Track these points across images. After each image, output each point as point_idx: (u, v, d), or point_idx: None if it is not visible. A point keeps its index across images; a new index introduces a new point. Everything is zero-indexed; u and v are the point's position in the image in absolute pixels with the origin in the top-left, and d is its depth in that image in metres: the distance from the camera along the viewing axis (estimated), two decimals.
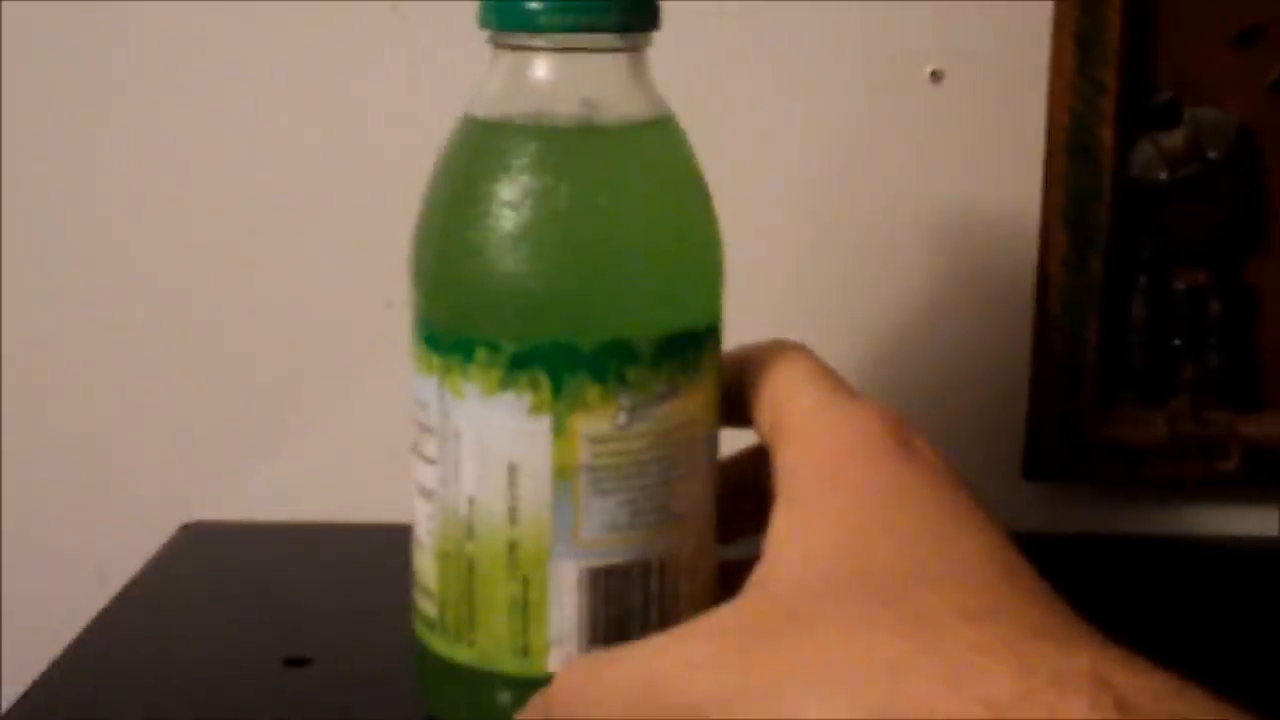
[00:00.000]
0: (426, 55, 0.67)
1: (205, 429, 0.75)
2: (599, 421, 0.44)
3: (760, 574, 0.39)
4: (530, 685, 0.45)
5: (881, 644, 0.34)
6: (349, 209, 0.71)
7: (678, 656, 0.38)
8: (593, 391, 0.43)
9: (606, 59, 0.46)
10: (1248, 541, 0.71)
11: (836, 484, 0.40)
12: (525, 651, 0.45)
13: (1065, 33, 0.64)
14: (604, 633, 0.45)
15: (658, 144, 0.47)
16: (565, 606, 0.45)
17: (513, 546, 0.44)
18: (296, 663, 0.58)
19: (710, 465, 0.47)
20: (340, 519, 0.73)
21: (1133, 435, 0.68)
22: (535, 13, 0.44)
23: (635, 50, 0.46)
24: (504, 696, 0.46)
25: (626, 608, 0.45)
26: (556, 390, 0.43)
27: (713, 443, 0.47)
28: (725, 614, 0.39)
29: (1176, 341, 0.68)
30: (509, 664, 0.46)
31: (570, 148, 0.46)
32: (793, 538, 0.40)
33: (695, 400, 0.46)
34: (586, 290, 0.45)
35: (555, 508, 0.44)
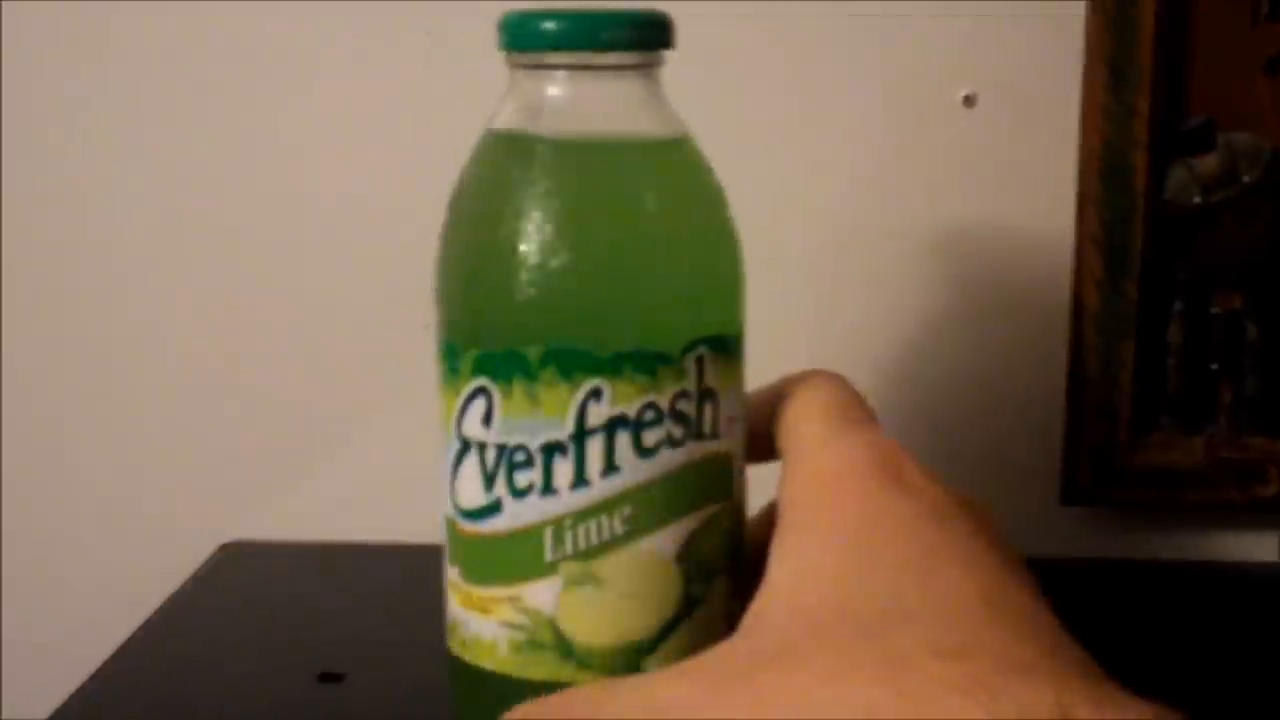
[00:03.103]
0: (455, 78, 0.68)
1: (243, 451, 0.76)
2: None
3: (755, 607, 0.40)
4: None
5: (857, 688, 0.35)
6: (383, 232, 0.72)
7: (671, 695, 0.39)
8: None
9: (620, 77, 0.47)
10: None
11: (824, 517, 0.41)
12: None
13: (1097, 58, 0.65)
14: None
15: (669, 160, 0.48)
16: None
17: None
18: (330, 679, 0.59)
19: (740, 484, 0.48)
20: (375, 540, 0.74)
21: (1170, 460, 0.69)
22: (550, 32, 0.46)
23: (649, 68, 0.47)
24: None
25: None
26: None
27: (740, 465, 0.48)
28: (716, 655, 0.39)
29: (1213, 366, 0.68)
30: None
31: (583, 163, 0.47)
32: (782, 572, 0.40)
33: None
34: (627, 300, 0.46)
35: None
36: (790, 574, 0.40)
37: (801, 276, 0.68)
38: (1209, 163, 0.66)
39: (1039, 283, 0.69)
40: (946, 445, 0.72)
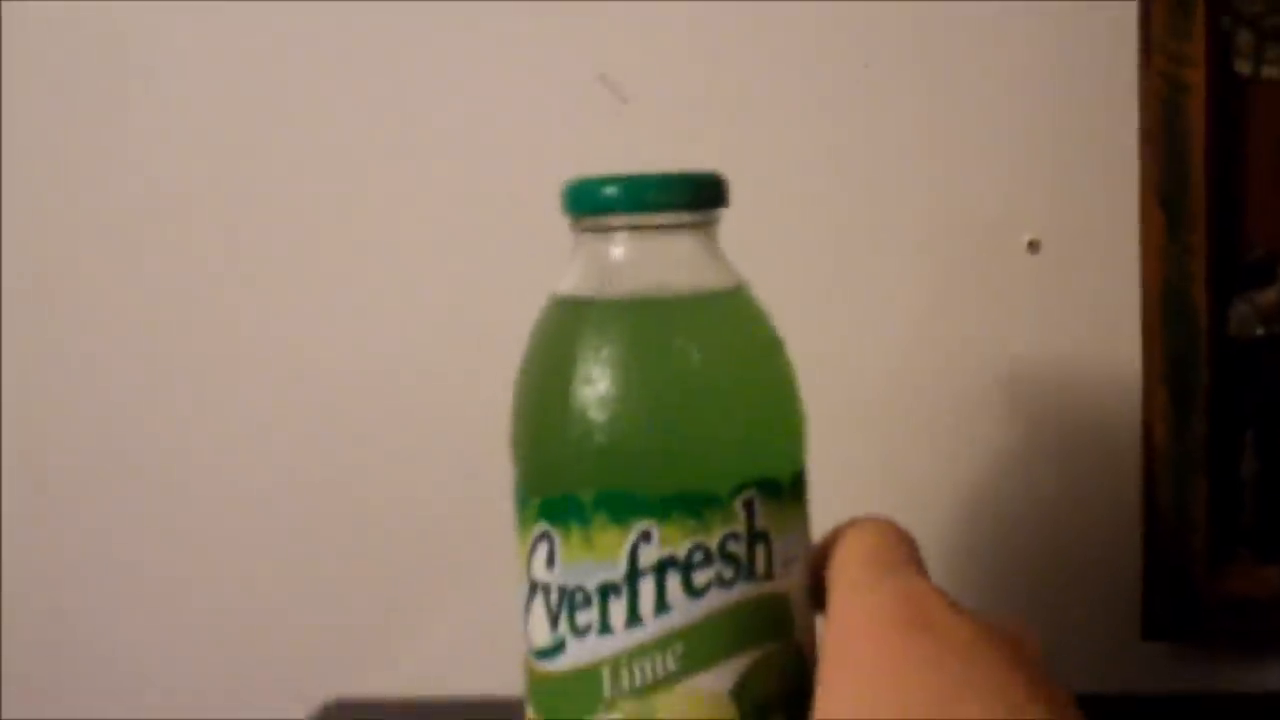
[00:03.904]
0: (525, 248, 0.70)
1: (346, 610, 0.77)
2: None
3: None
4: None
5: None
6: (475, 390, 0.72)
7: None
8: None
9: (678, 235, 0.49)
10: None
11: (846, 664, 0.42)
12: None
13: (1152, 196, 0.65)
14: None
15: (722, 311, 0.50)
16: None
17: None
18: None
19: (802, 623, 0.49)
20: (479, 695, 0.75)
21: (1247, 590, 0.68)
22: (610, 196, 0.48)
23: (705, 225, 0.50)
24: None
25: None
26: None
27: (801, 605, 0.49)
28: None
29: None
30: None
31: (635, 321, 0.49)
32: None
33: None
34: (671, 446, 0.47)
35: None
36: None
37: (869, 420, 0.69)
38: (1269, 296, 0.66)
39: (1108, 420, 0.69)
40: (1024, 586, 0.72)
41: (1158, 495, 0.68)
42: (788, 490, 0.49)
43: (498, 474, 0.70)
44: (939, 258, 0.70)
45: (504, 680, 0.68)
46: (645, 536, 0.46)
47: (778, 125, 0.69)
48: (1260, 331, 0.66)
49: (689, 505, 0.46)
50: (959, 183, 0.69)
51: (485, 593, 0.75)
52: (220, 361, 0.76)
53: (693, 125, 0.70)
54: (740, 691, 0.47)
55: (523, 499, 0.49)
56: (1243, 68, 0.64)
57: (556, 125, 0.71)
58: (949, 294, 0.70)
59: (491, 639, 0.72)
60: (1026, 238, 0.69)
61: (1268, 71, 0.63)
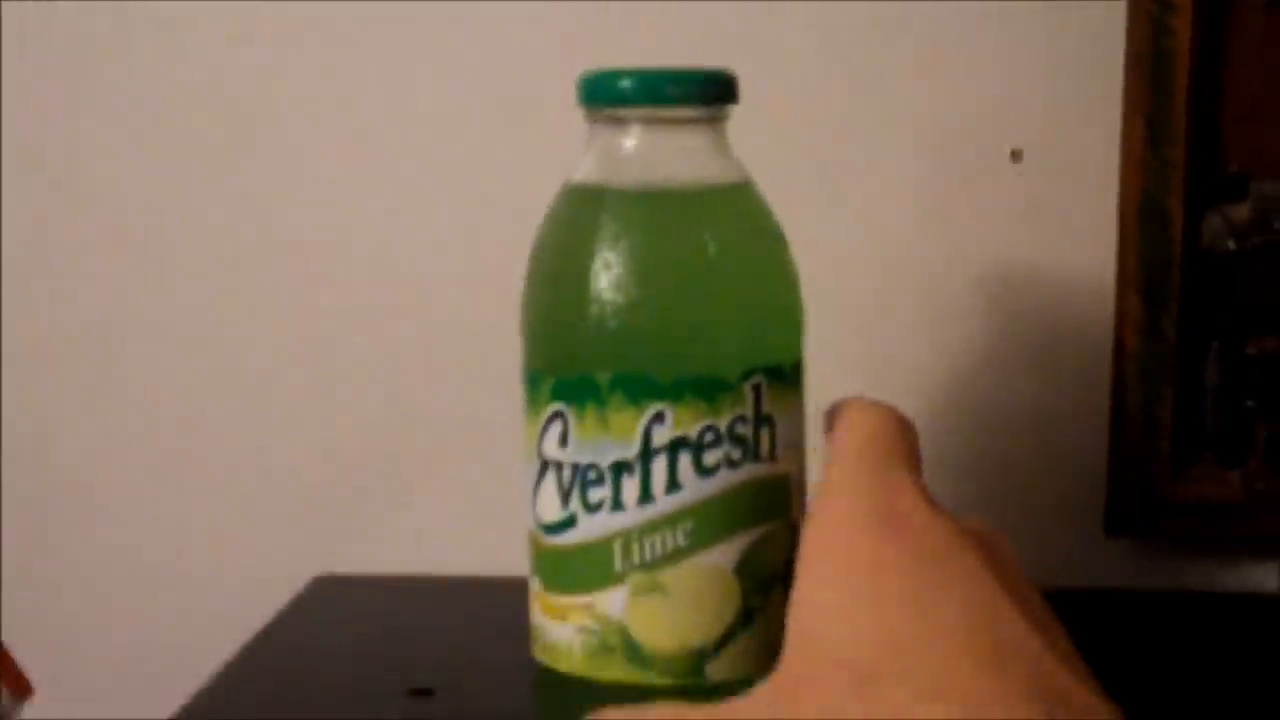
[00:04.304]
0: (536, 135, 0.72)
1: (333, 487, 0.79)
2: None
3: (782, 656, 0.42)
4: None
5: None
6: (468, 276, 0.76)
7: None
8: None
9: (689, 129, 0.51)
10: None
11: (824, 562, 0.42)
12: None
13: (1135, 112, 0.68)
14: None
15: (731, 204, 0.52)
16: None
17: None
18: (421, 693, 0.63)
19: (799, 504, 0.52)
20: (461, 572, 0.77)
21: (1209, 494, 0.71)
22: (626, 89, 0.50)
23: (715, 121, 0.52)
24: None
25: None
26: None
27: (799, 486, 0.52)
28: (734, 707, 0.42)
29: (1250, 404, 0.70)
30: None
31: (650, 210, 0.51)
32: (791, 618, 0.42)
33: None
34: (686, 331, 0.50)
35: None
36: (795, 620, 0.42)
37: (857, 314, 0.71)
38: (1242, 211, 0.68)
39: (1082, 325, 0.72)
40: (995, 479, 0.74)
41: (1126, 398, 0.70)
42: (790, 377, 0.51)
43: (493, 353, 0.73)
44: (928, 164, 0.72)
45: (494, 558, 0.74)
46: (659, 417, 0.48)
47: (781, 32, 0.70)
48: (1231, 245, 0.68)
49: (701, 388, 0.48)
50: (949, 94, 0.71)
51: (476, 470, 0.77)
52: (226, 232, 0.78)
53: (698, 27, 0.71)
54: (744, 566, 0.50)
55: (535, 379, 0.51)
56: None
57: (567, 20, 0.72)
58: (936, 198, 0.72)
59: (482, 517, 0.77)
60: (1010, 147, 0.71)
61: None
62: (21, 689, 0.80)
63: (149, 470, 0.80)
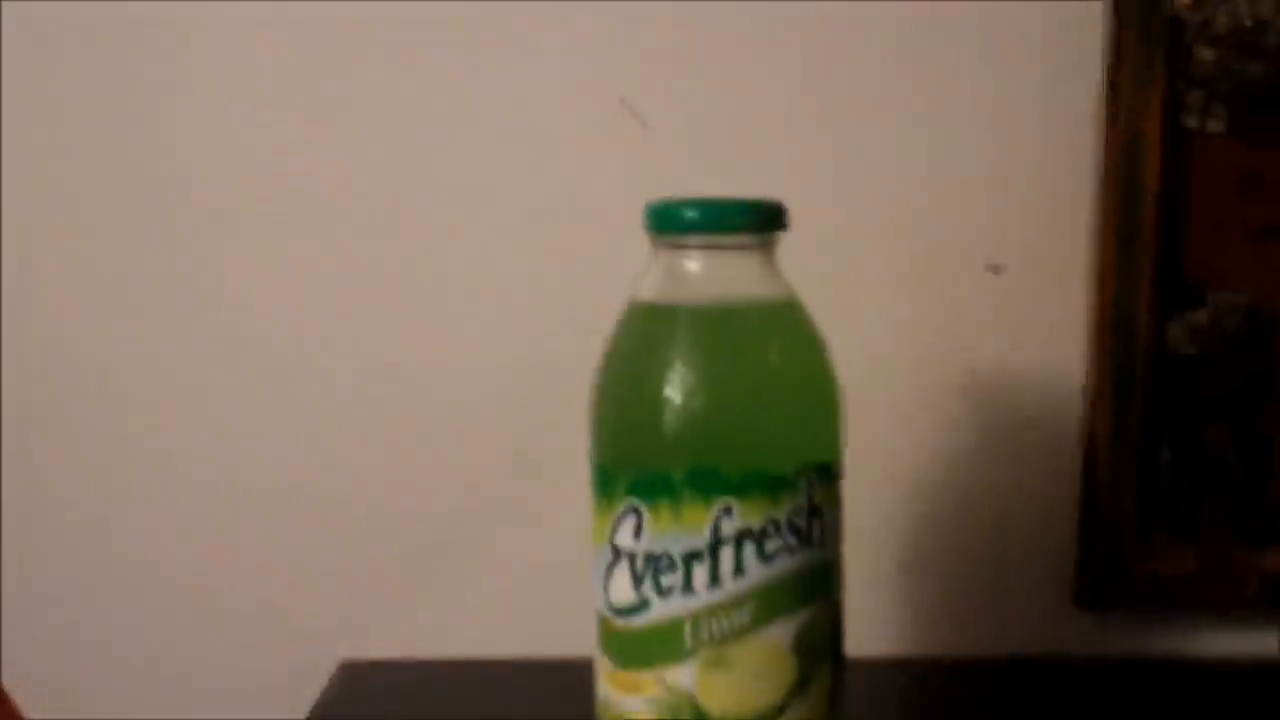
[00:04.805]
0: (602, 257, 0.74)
1: (360, 570, 0.81)
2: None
3: None
4: None
5: None
6: (527, 373, 0.78)
7: None
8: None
9: (745, 253, 0.57)
10: (1264, 661, 0.80)
11: None
12: None
13: (1108, 227, 0.73)
14: None
15: (785, 319, 0.57)
16: None
17: None
18: None
19: (839, 584, 0.58)
20: (489, 655, 0.80)
21: (1167, 568, 0.77)
22: (689, 219, 0.56)
23: (768, 246, 0.57)
24: None
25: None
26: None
27: (839, 569, 0.58)
28: None
29: (1201, 486, 0.77)
30: None
31: (713, 325, 0.56)
32: None
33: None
34: (751, 432, 0.55)
35: None
36: None
37: (854, 416, 0.75)
38: (1200, 317, 0.75)
39: (1054, 422, 0.77)
40: (974, 560, 0.80)
41: (1095, 485, 0.76)
42: (834, 472, 0.57)
43: (515, 450, 0.77)
44: (916, 280, 0.77)
45: (515, 642, 0.78)
46: (727, 511, 0.54)
47: (777, 166, 0.75)
48: (1192, 349, 0.75)
49: (764, 484, 0.54)
50: (933, 216, 0.76)
51: (499, 560, 0.80)
52: (241, 328, 0.79)
53: (701, 152, 0.76)
54: (799, 641, 0.56)
55: (608, 477, 0.56)
56: (1191, 122, 0.73)
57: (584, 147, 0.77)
58: (923, 310, 0.77)
59: (504, 603, 0.80)
60: (989, 262, 0.76)
61: (1212, 126, 0.73)
62: None
63: (162, 573, 0.82)
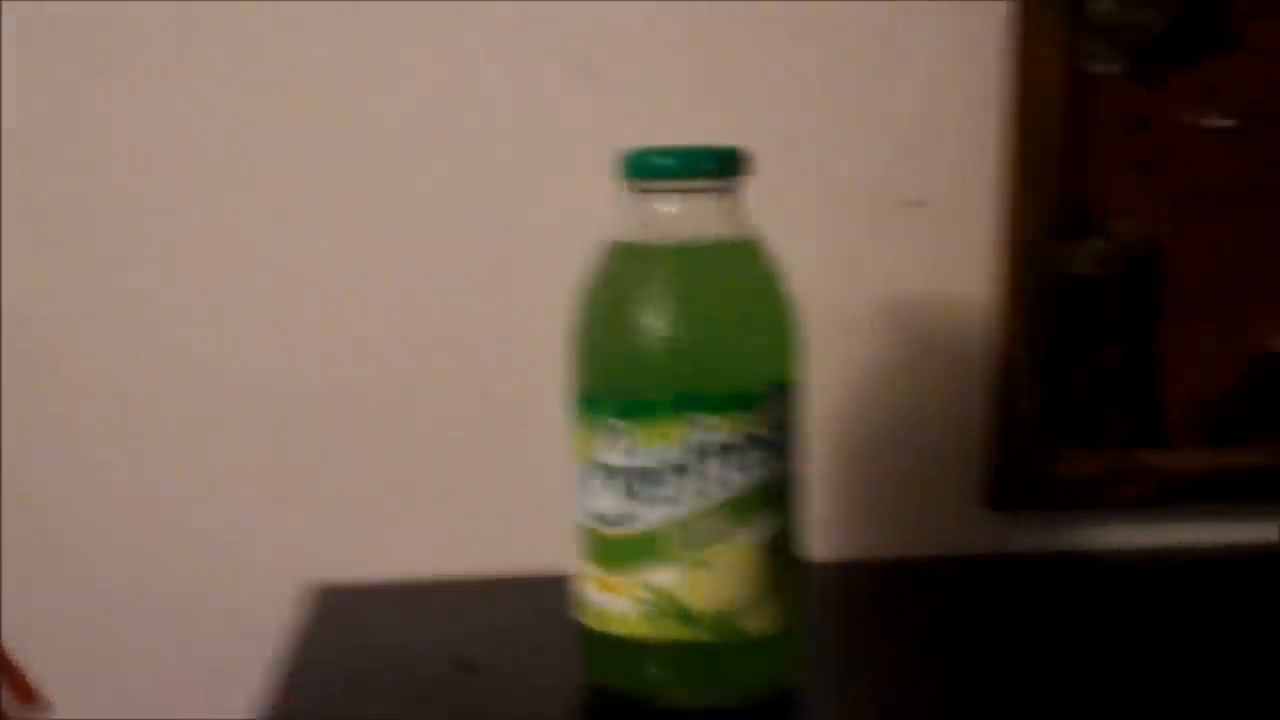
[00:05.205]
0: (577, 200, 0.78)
1: (333, 496, 0.83)
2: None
3: None
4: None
5: None
6: (511, 306, 0.82)
7: None
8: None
9: (710, 196, 0.62)
10: (1162, 551, 0.87)
11: None
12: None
13: (1015, 165, 0.80)
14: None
15: (754, 254, 0.63)
16: None
17: None
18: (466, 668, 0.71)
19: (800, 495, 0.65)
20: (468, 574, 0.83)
21: (1074, 472, 0.84)
22: (661, 166, 0.62)
23: (731, 189, 0.63)
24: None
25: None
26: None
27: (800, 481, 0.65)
28: None
29: (1102, 398, 0.84)
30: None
31: (689, 262, 0.62)
32: None
33: None
34: (728, 357, 0.61)
35: None
36: None
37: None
38: (1098, 244, 0.81)
39: (970, 340, 0.83)
40: (898, 469, 0.86)
41: (1007, 399, 0.83)
42: (797, 391, 0.64)
43: (495, 373, 0.82)
44: (841, 215, 0.82)
45: (489, 561, 0.82)
46: (706, 427, 0.60)
47: (713, 115, 0.80)
48: (1091, 273, 0.82)
49: (741, 402, 0.60)
50: (857, 156, 0.82)
51: (478, 480, 0.84)
52: (219, 253, 0.81)
53: (652, 104, 0.80)
54: (770, 543, 0.62)
55: (594, 402, 0.62)
56: (1089, 67, 0.79)
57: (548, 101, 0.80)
58: (848, 242, 0.82)
59: (481, 523, 0.84)
60: (908, 198, 0.82)
61: (1107, 69, 0.79)
62: (37, 703, 0.85)
63: (141, 491, 0.83)
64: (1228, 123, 0.81)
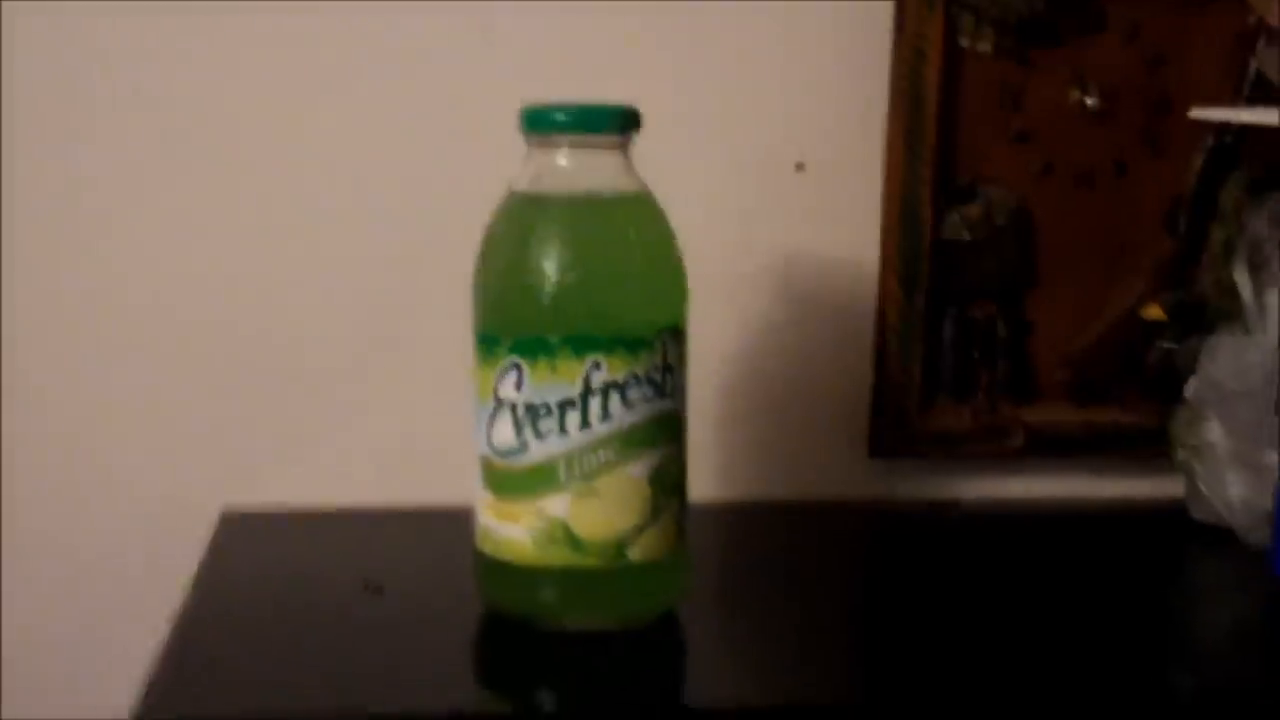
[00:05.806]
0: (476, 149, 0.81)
1: (239, 422, 0.86)
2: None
3: None
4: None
5: None
6: (411, 240, 0.85)
7: None
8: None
9: (604, 151, 0.67)
10: (1028, 502, 0.92)
11: None
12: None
13: (897, 134, 0.85)
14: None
15: (643, 207, 0.67)
16: None
17: None
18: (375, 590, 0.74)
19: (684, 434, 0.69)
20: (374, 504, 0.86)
21: (946, 424, 0.89)
22: (558, 120, 0.66)
23: (624, 145, 0.67)
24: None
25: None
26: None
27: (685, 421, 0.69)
28: None
29: (975, 355, 0.89)
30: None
31: (582, 213, 0.66)
32: None
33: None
34: (617, 301, 0.65)
35: None
36: None
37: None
38: (973, 209, 0.86)
39: (852, 299, 0.88)
40: (782, 419, 0.90)
41: (886, 354, 0.87)
42: (682, 335, 0.68)
43: (405, 313, 0.85)
44: (732, 177, 0.86)
45: (396, 492, 0.85)
46: (596, 365, 0.64)
47: (613, 78, 0.84)
48: (966, 236, 0.87)
49: (628, 344, 0.64)
50: (748, 121, 0.86)
51: (381, 408, 0.87)
52: (143, 180, 0.83)
53: (554, 66, 0.84)
54: (654, 477, 0.66)
55: (492, 339, 0.66)
56: (965, 42, 0.84)
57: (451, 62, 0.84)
58: (739, 203, 0.87)
59: (385, 453, 0.87)
60: (795, 160, 0.86)
61: (981, 46, 0.84)
62: None
63: (47, 409, 0.85)
64: (1094, 100, 0.86)
